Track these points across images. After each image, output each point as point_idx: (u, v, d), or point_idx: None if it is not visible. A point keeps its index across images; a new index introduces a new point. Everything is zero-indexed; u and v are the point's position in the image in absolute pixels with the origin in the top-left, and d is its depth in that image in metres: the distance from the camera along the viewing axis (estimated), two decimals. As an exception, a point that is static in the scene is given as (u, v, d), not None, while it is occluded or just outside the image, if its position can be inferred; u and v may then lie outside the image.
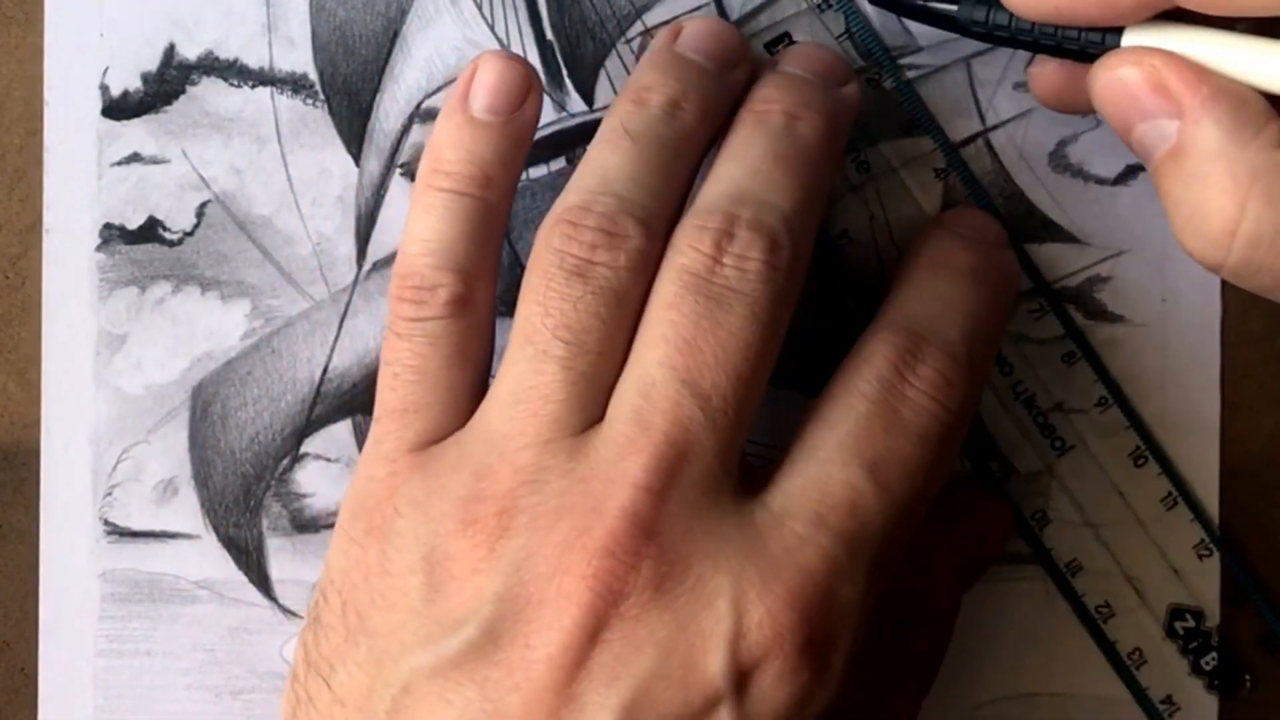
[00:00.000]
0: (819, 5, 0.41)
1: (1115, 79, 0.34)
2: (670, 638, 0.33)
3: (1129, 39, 0.35)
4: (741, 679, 0.33)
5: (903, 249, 0.41)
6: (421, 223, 0.37)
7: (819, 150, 0.37)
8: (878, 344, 0.36)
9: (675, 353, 0.34)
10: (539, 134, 0.42)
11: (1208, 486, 0.41)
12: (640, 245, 0.35)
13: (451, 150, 0.37)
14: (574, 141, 0.42)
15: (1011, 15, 0.36)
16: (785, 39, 0.41)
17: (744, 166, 0.36)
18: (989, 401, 0.41)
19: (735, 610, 0.33)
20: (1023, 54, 0.41)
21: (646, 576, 0.33)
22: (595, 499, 0.33)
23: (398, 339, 0.37)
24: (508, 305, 0.42)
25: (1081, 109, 0.37)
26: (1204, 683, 0.41)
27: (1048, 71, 0.38)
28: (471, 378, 0.37)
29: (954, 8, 0.37)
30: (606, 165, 0.36)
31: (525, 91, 0.38)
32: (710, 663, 0.33)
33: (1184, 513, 0.41)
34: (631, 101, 0.37)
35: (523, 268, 0.42)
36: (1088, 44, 0.35)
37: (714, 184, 0.36)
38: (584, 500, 0.33)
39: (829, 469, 0.34)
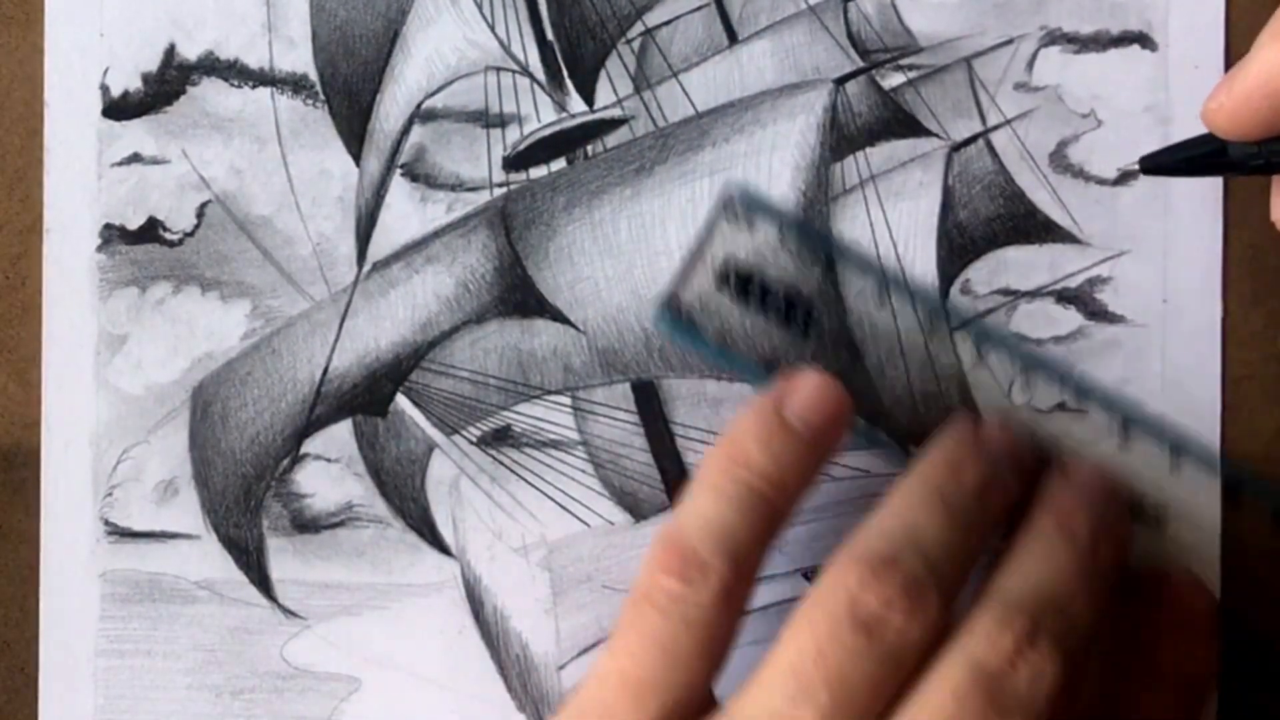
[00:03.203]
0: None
1: None
2: None
3: None
4: None
5: (901, 247, 0.41)
6: (707, 501, 0.36)
7: (1112, 577, 0.37)
8: None
9: None
10: (539, 135, 0.42)
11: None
12: (935, 618, 0.34)
13: (758, 447, 0.36)
14: (574, 142, 0.42)
15: None
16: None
17: (1051, 570, 0.36)
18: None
19: None
20: (1023, 54, 0.41)
21: None
22: None
23: (652, 609, 0.35)
24: (507, 306, 0.42)
25: None
26: None
27: None
28: (712, 673, 0.36)
29: (1222, 145, 0.36)
30: (918, 524, 0.36)
31: (841, 416, 0.37)
32: None
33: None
34: (948, 471, 0.37)
35: (523, 268, 0.42)
36: None
37: (1018, 576, 0.36)
38: None
39: None
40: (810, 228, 0.41)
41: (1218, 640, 0.39)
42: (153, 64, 0.42)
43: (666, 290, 0.40)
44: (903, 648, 0.34)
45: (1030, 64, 0.41)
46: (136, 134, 0.42)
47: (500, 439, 0.42)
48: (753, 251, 0.40)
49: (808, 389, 0.37)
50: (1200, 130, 0.40)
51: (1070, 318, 0.41)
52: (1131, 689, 0.38)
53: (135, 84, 0.42)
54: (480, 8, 0.42)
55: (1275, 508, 0.41)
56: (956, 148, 0.41)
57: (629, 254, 0.42)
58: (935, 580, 0.35)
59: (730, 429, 0.37)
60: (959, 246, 0.41)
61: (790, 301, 0.40)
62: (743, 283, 0.40)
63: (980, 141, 0.41)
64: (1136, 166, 0.41)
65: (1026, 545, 0.37)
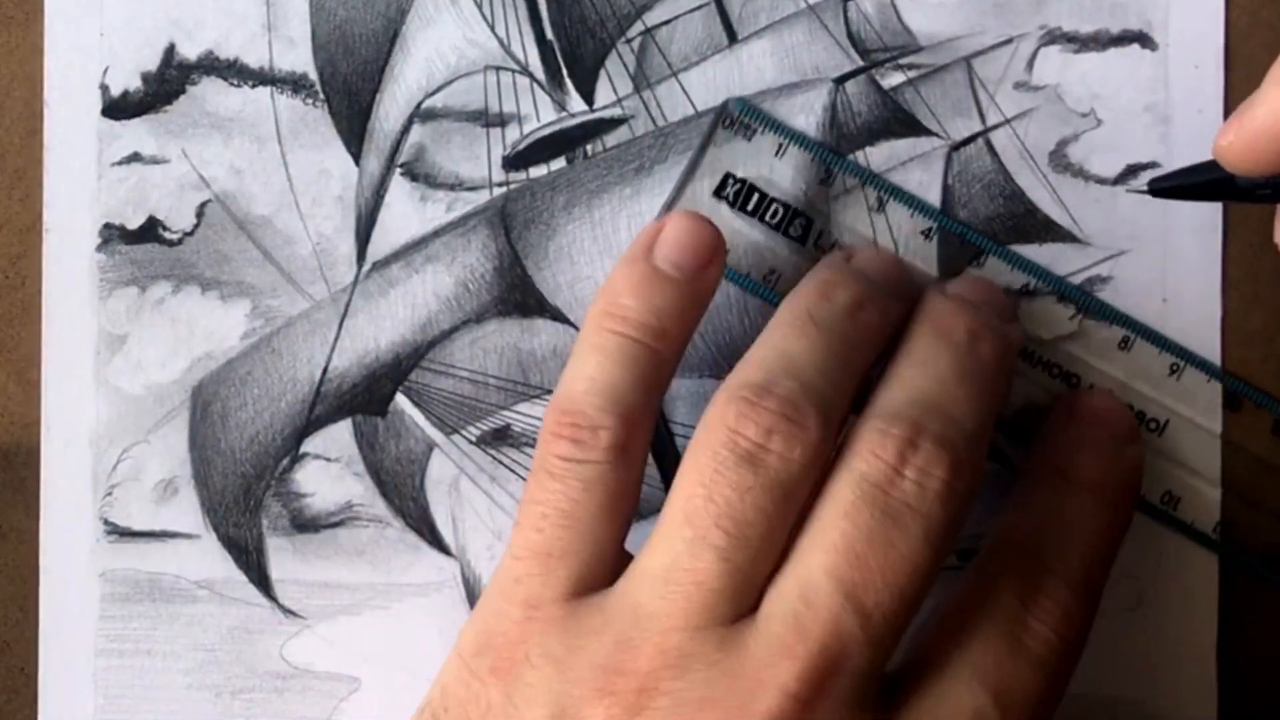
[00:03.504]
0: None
1: None
2: None
3: None
4: None
5: (901, 246, 0.41)
6: (590, 361, 0.36)
7: (997, 374, 0.37)
8: (1001, 567, 0.36)
9: (843, 564, 0.33)
10: (539, 134, 0.42)
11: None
12: (818, 439, 0.34)
13: (631, 296, 0.37)
14: (574, 141, 0.42)
15: None
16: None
17: (928, 376, 0.36)
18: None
19: None
20: (1023, 53, 0.41)
21: None
22: (742, 697, 0.33)
23: (550, 478, 0.36)
24: (507, 305, 0.42)
25: None
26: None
27: None
28: (618, 530, 0.36)
29: (1231, 175, 0.37)
30: (790, 349, 0.36)
31: (712, 253, 0.37)
32: None
33: None
34: (818, 293, 0.37)
35: (523, 267, 0.42)
36: None
37: (896, 388, 0.36)
38: (730, 695, 0.33)
39: (956, 690, 0.35)
40: (808, 139, 0.41)
41: (1138, 451, 0.39)
42: (152, 63, 0.42)
43: (665, 203, 0.41)
44: (788, 474, 0.34)
45: (1030, 63, 0.41)
46: (136, 133, 0.42)
47: (500, 439, 0.42)
48: (750, 163, 0.40)
49: (675, 231, 0.37)
50: (1199, 131, 0.40)
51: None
52: (1051, 499, 0.37)
53: (135, 83, 0.42)
54: (480, 7, 0.42)
55: (1277, 418, 0.41)
56: (956, 147, 0.41)
57: (629, 254, 0.42)
58: (813, 401, 0.35)
59: (605, 284, 0.37)
60: (959, 246, 0.41)
61: (787, 211, 0.41)
62: (740, 193, 0.40)
63: (980, 141, 0.41)
64: (1133, 168, 0.41)
65: (903, 356, 0.37)
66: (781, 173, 0.40)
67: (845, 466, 0.34)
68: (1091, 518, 0.37)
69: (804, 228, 0.41)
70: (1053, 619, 0.35)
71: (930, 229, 0.41)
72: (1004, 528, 0.37)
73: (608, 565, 0.36)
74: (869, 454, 0.34)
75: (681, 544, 0.34)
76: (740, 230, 0.41)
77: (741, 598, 0.34)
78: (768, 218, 0.40)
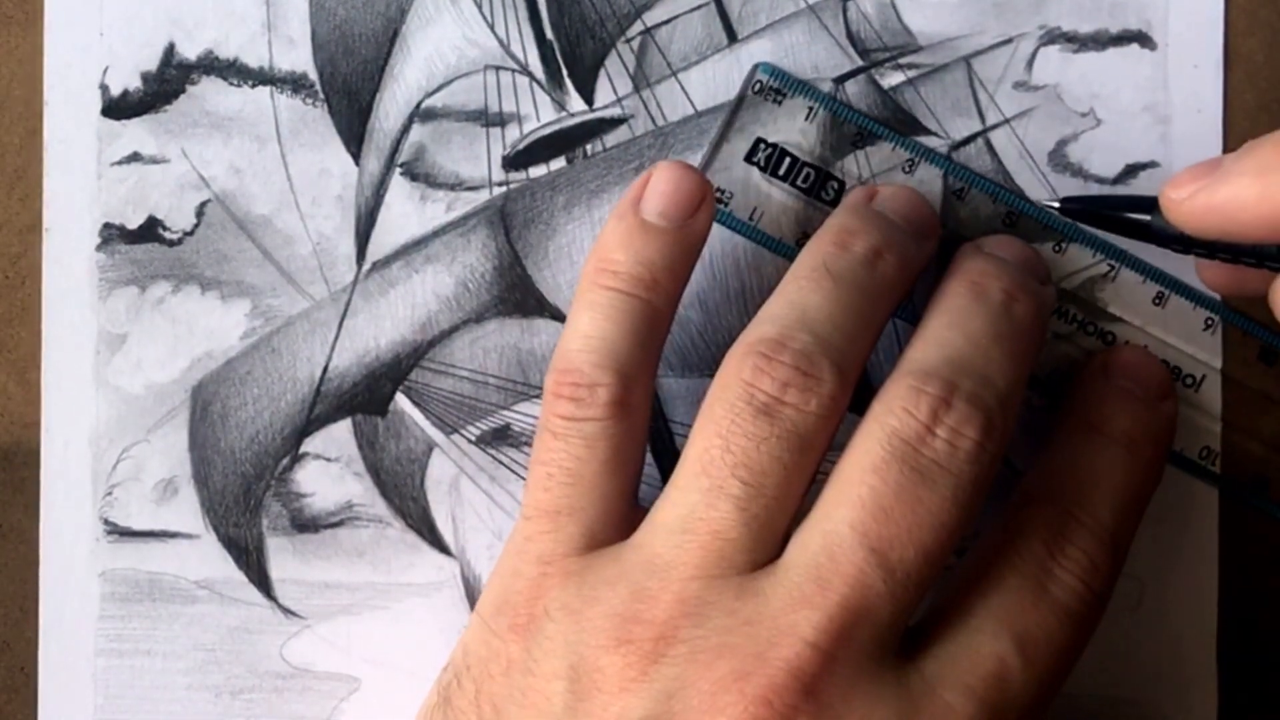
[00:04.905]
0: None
1: None
2: None
3: None
4: None
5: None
6: (585, 318, 0.37)
7: (1031, 336, 0.37)
8: (1030, 516, 0.36)
9: (869, 518, 0.33)
10: (539, 134, 0.42)
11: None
12: (833, 391, 0.35)
13: (620, 251, 0.37)
14: (574, 141, 0.42)
15: None
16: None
17: (964, 335, 0.36)
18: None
19: None
20: (1022, 53, 0.41)
21: None
22: (760, 645, 0.33)
23: (553, 438, 0.36)
24: (507, 305, 0.42)
25: (1248, 294, 0.38)
26: None
27: (1221, 270, 0.38)
28: (625, 484, 0.37)
29: (1147, 217, 0.37)
30: (806, 302, 0.36)
31: (699, 201, 0.38)
32: None
33: None
34: (834, 243, 0.37)
35: (523, 267, 0.42)
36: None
37: (931, 345, 0.36)
38: (748, 643, 0.33)
39: (979, 639, 0.35)
40: (838, 103, 0.41)
41: (1172, 406, 0.39)
42: (152, 63, 0.42)
43: (697, 168, 0.41)
44: (805, 425, 0.34)
45: (1029, 63, 0.41)
46: (136, 133, 0.42)
47: (500, 438, 0.42)
48: (781, 127, 0.40)
49: (662, 182, 0.37)
50: (1198, 131, 0.40)
51: (1069, 317, 0.41)
52: (1082, 451, 0.37)
53: (135, 83, 0.42)
54: (480, 7, 0.42)
55: None
56: (956, 147, 0.41)
57: (629, 253, 0.42)
58: (828, 354, 0.35)
59: (595, 242, 0.38)
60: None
61: (819, 174, 0.40)
62: (770, 158, 0.40)
63: (979, 140, 0.41)
64: (1133, 168, 0.41)
65: (938, 314, 0.37)
66: (812, 137, 0.40)
67: (876, 421, 0.34)
68: (1122, 470, 0.37)
69: (836, 191, 0.41)
70: (1079, 568, 0.35)
71: (963, 189, 0.41)
72: (1033, 479, 0.37)
73: (617, 520, 0.36)
74: (901, 410, 0.34)
75: (698, 494, 0.34)
76: (772, 195, 0.40)
77: (759, 548, 0.34)
78: (799, 182, 0.40)
